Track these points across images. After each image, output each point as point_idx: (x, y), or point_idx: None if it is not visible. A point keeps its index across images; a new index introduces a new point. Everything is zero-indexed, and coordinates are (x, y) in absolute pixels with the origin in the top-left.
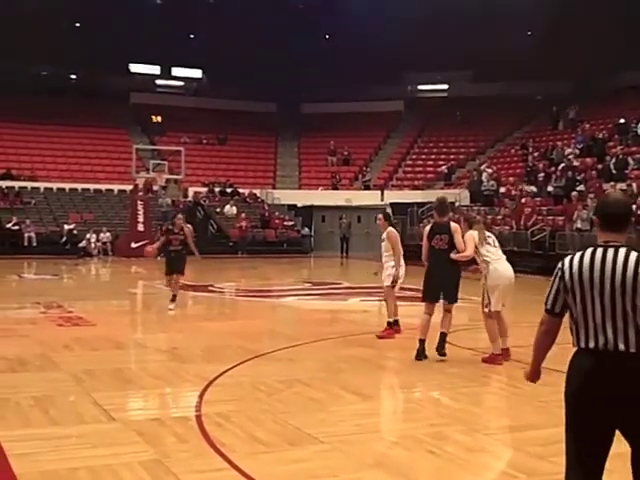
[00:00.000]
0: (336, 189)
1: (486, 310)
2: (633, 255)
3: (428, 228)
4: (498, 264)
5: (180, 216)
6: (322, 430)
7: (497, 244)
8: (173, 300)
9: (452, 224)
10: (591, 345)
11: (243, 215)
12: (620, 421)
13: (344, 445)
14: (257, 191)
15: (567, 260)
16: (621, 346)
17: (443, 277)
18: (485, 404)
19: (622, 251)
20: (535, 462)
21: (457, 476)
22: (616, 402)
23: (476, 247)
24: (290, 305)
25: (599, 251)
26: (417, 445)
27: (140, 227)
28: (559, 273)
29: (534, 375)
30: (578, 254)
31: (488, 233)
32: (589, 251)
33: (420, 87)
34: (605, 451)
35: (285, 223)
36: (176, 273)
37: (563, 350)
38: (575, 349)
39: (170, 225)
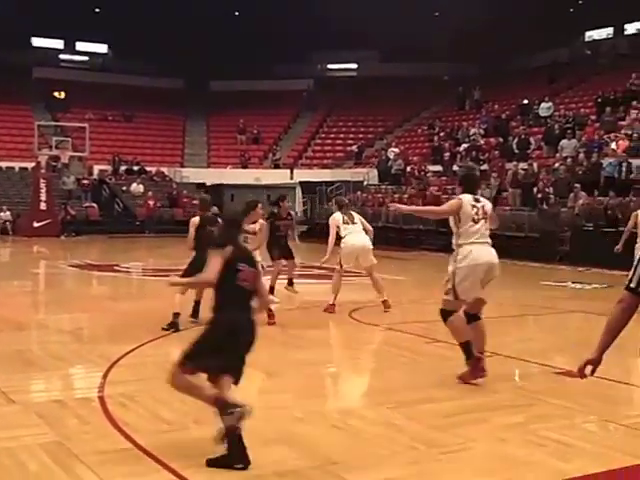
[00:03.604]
0: (245, 168)
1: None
2: None
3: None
4: (351, 237)
5: (288, 199)
6: None
7: (358, 221)
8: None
9: None
10: None
11: (150, 194)
12: None
13: (249, 422)
14: (165, 169)
15: None
16: None
17: None
18: (389, 378)
19: None
20: (435, 434)
21: (359, 449)
22: None
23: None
24: None
25: None
26: (322, 420)
27: (43, 206)
28: None
29: (595, 362)
30: None
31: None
32: None
33: (329, 66)
34: None
35: (194, 202)
36: (290, 259)
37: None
38: None
39: (277, 209)
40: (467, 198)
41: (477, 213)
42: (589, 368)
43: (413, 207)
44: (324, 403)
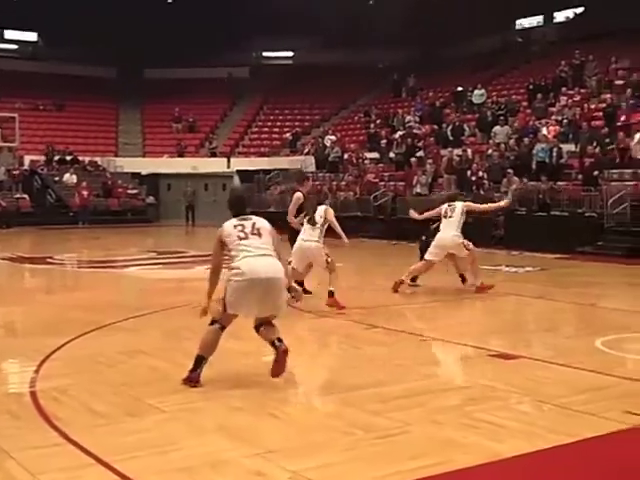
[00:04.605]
0: (182, 156)
1: None
2: None
3: None
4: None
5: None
6: (163, 399)
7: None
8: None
9: None
10: None
11: (84, 184)
12: None
13: (186, 413)
14: (98, 159)
15: None
16: None
17: None
18: (326, 365)
19: None
20: (372, 418)
21: (296, 437)
22: None
23: None
24: (134, 275)
25: None
26: (260, 409)
27: None
28: None
29: None
30: None
31: None
32: None
33: (265, 54)
34: None
35: (129, 192)
36: None
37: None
38: None
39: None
40: (227, 223)
41: (243, 230)
42: None
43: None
44: (262, 392)
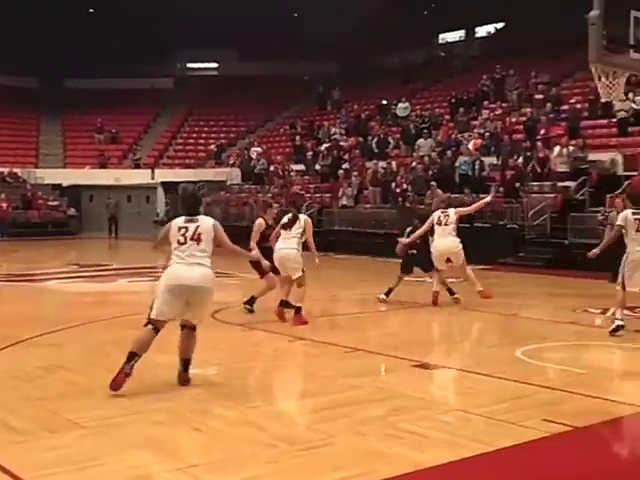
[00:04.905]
0: (104, 168)
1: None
2: None
3: None
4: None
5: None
6: (84, 415)
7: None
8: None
9: None
10: None
11: (3, 196)
12: None
13: (107, 429)
14: (18, 170)
15: None
16: None
17: None
18: (251, 377)
19: None
20: (296, 430)
21: (219, 450)
22: None
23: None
24: (55, 289)
25: None
26: (182, 423)
27: None
28: None
29: None
30: None
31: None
32: None
33: (189, 65)
34: None
35: (49, 203)
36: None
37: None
38: None
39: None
40: (174, 222)
41: (184, 235)
42: None
43: None
44: (185, 406)
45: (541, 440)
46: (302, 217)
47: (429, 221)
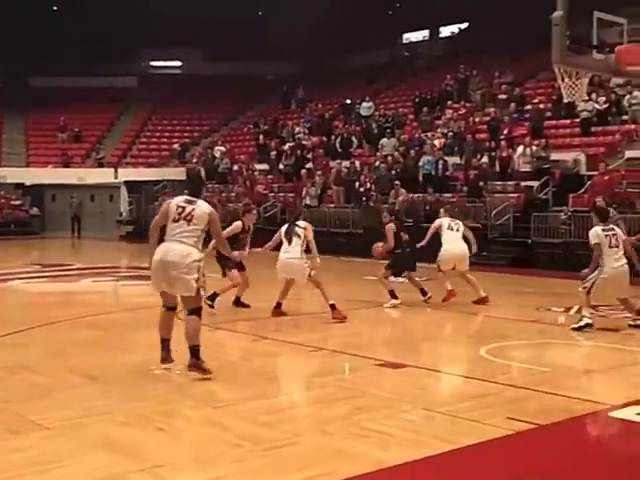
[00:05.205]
0: (67, 167)
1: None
2: None
3: None
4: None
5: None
6: (47, 416)
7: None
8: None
9: None
10: None
11: None
12: None
13: (71, 430)
14: None
15: None
16: None
17: None
18: (215, 377)
19: None
20: (261, 430)
21: (184, 450)
22: None
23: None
24: (17, 289)
25: None
26: (146, 423)
27: None
28: None
29: None
30: None
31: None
32: None
33: (153, 63)
34: None
35: (12, 202)
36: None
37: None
38: None
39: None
40: (175, 200)
41: (180, 214)
42: None
43: None
44: (149, 406)
45: (505, 438)
46: (302, 224)
47: (435, 227)
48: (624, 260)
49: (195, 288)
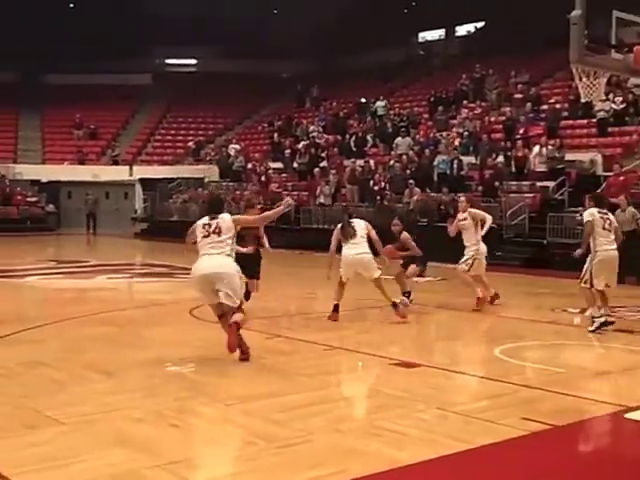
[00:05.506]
0: (83, 164)
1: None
2: None
3: None
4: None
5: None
6: (63, 411)
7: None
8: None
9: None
10: None
11: None
12: None
13: (86, 425)
14: None
15: None
16: None
17: None
18: (230, 375)
19: None
20: (274, 428)
21: (198, 447)
22: None
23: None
24: (33, 285)
25: None
26: (161, 420)
27: None
28: None
29: None
30: None
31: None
32: None
33: (168, 61)
34: None
35: (28, 199)
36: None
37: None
38: None
39: None
40: (199, 222)
41: (208, 230)
42: None
43: None
44: (163, 402)
45: (521, 438)
46: (358, 222)
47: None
48: (615, 245)
49: (240, 296)
